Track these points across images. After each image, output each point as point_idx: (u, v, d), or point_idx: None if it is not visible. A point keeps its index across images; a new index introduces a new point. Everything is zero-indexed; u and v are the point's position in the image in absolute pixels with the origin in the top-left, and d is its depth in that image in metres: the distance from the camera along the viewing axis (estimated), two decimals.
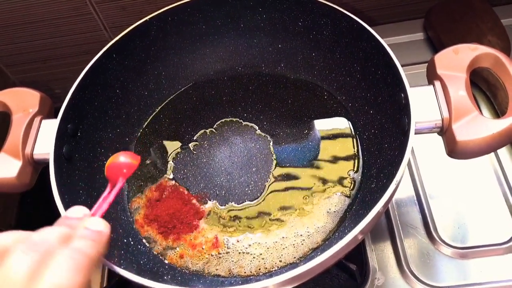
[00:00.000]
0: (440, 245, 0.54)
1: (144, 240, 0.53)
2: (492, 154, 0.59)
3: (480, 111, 0.43)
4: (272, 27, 0.62)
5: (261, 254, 0.51)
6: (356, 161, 0.55)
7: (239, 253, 0.51)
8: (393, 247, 0.55)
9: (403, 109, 0.45)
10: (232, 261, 0.50)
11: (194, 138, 0.61)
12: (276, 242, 0.51)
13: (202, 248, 0.52)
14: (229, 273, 0.50)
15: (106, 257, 0.40)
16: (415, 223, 0.56)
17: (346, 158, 0.56)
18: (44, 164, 0.48)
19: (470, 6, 0.67)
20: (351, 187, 0.54)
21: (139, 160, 0.42)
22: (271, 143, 0.59)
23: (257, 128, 0.60)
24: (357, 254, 0.55)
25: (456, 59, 0.45)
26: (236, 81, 0.65)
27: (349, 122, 0.59)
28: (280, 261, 0.50)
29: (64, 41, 0.74)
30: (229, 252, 0.51)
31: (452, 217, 0.56)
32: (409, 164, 0.60)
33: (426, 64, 0.48)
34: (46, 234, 0.28)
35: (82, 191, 0.50)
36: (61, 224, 0.31)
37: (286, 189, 0.55)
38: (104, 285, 0.57)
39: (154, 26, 0.59)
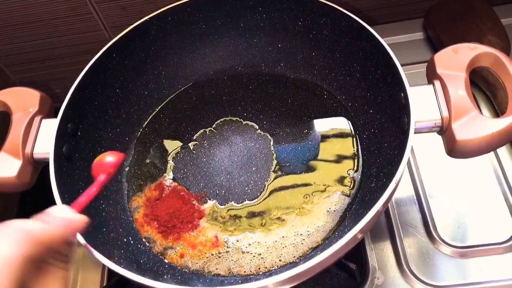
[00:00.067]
0: (440, 244, 0.54)
1: (144, 240, 0.53)
2: (492, 153, 0.59)
3: (480, 110, 0.43)
4: (272, 27, 0.62)
5: (261, 253, 0.51)
6: (356, 160, 0.55)
7: (239, 252, 0.51)
8: (393, 246, 0.55)
9: (402, 109, 0.45)
10: (232, 260, 0.51)
11: (194, 138, 0.61)
12: (276, 241, 0.51)
13: (202, 248, 0.52)
14: (229, 273, 0.50)
15: (106, 256, 0.40)
16: (415, 222, 0.56)
17: (346, 158, 0.56)
18: (44, 163, 0.48)
19: (470, 6, 0.67)
20: (351, 186, 0.54)
21: (122, 157, 0.43)
22: (271, 142, 0.59)
23: (257, 127, 0.60)
24: (357, 253, 0.55)
25: (456, 59, 0.45)
26: (236, 81, 0.65)
27: (349, 122, 0.59)
28: (280, 260, 0.50)
29: (63, 40, 0.74)
30: (229, 251, 0.51)
31: (451, 216, 0.56)
32: (408, 164, 0.60)
33: (426, 63, 0.48)
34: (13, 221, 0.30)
35: (82, 191, 0.49)
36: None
37: (286, 188, 0.55)
38: (104, 284, 0.57)
39: (154, 25, 0.59)
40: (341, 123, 0.59)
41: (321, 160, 0.57)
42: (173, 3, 0.58)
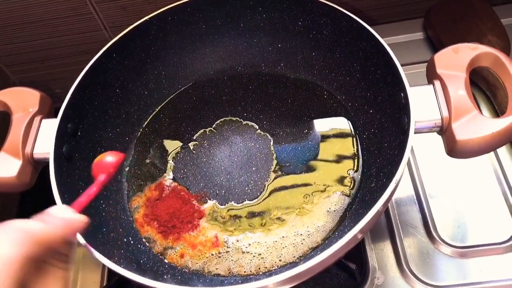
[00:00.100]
0: (440, 244, 0.54)
1: (144, 240, 0.53)
2: (492, 153, 0.59)
3: (480, 110, 0.43)
4: (272, 27, 0.62)
5: (260, 253, 0.51)
6: (356, 160, 0.55)
7: (239, 252, 0.51)
8: (393, 246, 0.55)
9: (402, 109, 0.45)
10: (232, 260, 0.51)
11: (194, 138, 0.61)
12: (276, 241, 0.51)
13: (202, 248, 0.52)
14: (229, 272, 0.50)
15: (106, 256, 0.40)
16: (415, 222, 0.56)
17: (346, 158, 0.56)
18: (44, 163, 0.48)
19: (470, 6, 0.67)
20: (351, 187, 0.54)
21: (122, 157, 0.44)
22: (271, 142, 0.59)
23: (257, 127, 0.60)
24: (357, 253, 0.54)
25: (456, 59, 0.45)
26: (236, 81, 0.65)
27: (349, 122, 0.59)
28: (280, 260, 0.50)
29: (63, 41, 0.74)
30: (229, 251, 0.51)
31: (451, 216, 0.56)
32: (408, 164, 0.60)
33: (426, 63, 0.48)
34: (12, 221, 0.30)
35: (82, 191, 0.49)
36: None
37: (286, 188, 0.55)
38: (104, 284, 0.57)
39: (154, 25, 0.59)
40: (341, 123, 0.59)
41: (321, 160, 0.57)
42: (173, 3, 0.58)
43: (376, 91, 0.53)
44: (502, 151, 0.59)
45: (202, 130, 0.61)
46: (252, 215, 0.54)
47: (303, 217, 0.52)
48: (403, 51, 0.70)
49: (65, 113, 0.49)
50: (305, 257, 0.50)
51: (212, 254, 0.51)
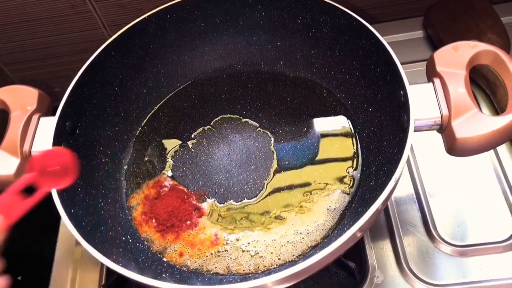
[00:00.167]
0: (440, 243, 0.54)
1: (142, 238, 0.53)
2: (492, 151, 0.59)
3: (480, 108, 0.43)
4: (271, 25, 0.62)
5: (259, 252, 0.50)
6: (356, 158, 0.55)
7: (238, 251, 0.51)
8: (392, 245, 0.55)
9: (402, 107, 0.45)
10: (230, 259, 0.50)
11: (193, 136, 0.61)
12: (275, 240, 0.51)
13: (201, 246, 0.52)
14: (228, 271, 0.50)
15: (104, 254, 0.40)
16: (415, 221, 0.56)
17: (346, 156, 0.56)
18: None
19: (470, 5, 0.67)
20: (351, 185, 0.54)
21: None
22: (271, 141, 0.59)
23: (256, 125, 0.60)
24: (356, 252, 0.54)
25: (456, 56, 0.45)
26: (235, 79, 0.65)
27: (349, 120, 0.58)
28: (279, 259, 0.50)
29: (62, 39, 0.74)
30: (227, 250, 0.51)
31: (451, 215, 0.55)
32: (408, 162, 0.60)
33: (426, 62, 0.47)
34: None
35: (80, 189, 0.50)
36: None
37: (286, 187, 0.55)
38: (103, 283, 0.57)
39: (153, 23, 0.59)
40: (341, 122, 0.59)
41: (320, 158, 0.56)
42: (172, 1, 0.58)
43: (376, 89, 0.53)
44: (502, 149, 0.59)
45: (201, 129, 0.61)
46: (251, 213, 0.53)
47: (303, 215, 0.52)
48: (403, 50, 0.70)
49: (63, 111, 0.49)
50: (304, 256, 0.50)
51: (211, 253, 0.51)
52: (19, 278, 0.67)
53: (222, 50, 0.65)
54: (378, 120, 0.53)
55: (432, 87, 0.45)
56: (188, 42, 0.63)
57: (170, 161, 0.59)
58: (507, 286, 0.51)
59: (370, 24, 0.50)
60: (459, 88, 0.43)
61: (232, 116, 0.62)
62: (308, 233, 0.51)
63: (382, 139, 0.51)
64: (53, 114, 0.49)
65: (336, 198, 0.53)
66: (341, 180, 0.54)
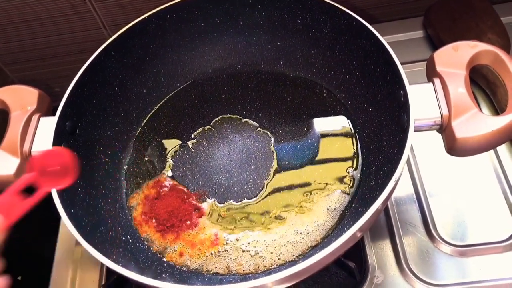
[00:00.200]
0: (440, 243, 0.54)
1: (142, 238, 0.53)
2: (492, 151, 0.59)
3: (480, 108, 0.43)
4: (271, 25, 0.62)
5: (259, 252, 0.50)
6: (356, 158, 0.55)
7: (238, 251, 0.51)
8: (392, 245, 0.55)
9: (402, 107, 0.45)
10: (230, 259, 0.50)
11: (193, 136, 0.61)
12: (275, 240, 0.51)
13: (201, 246, 0.52)
14: (228, 271, 0.50)
15: (104, 254, 0.40)
16: (414, 221, 0.56)
17: (346, 156, 0.56)
18: None
19: (470, 5, 0.67)
20: (351, 185, 0.54)
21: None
22: (271, 141, 0.59)
23: (257, 125, 0.60)
24: (356, 252, 0.54)
25: (456, 56, 0.45)
26: (235, 79, 0.65)
27: (349, 120, 0.58)
28: (279, 259, 0.50)
29: (62, 39, 0.74)
30: (228, 250, 0.51)
31: (451, 215, 0.55)
32: (408, 162, 0.60)
33: (426, 62, 0.47)
34: None
35: (80, 189, 0.50)
36: None
37: (286, 187, 0.55)
38: (103, 283, 0.57)
39: (153, 23, 0.59)
40: (341, 122, 0.59)
41: (320, 158, 0.56)
42: (172, 1, 0.58)
43: (376, 89, 0.53)
44: (502, 149, 0.59)
45: (201, 129, 0.61)
46: (251, 213, 0.53)
47: (303, 215, 0.52)
48: (403, 50, 0.70)
49: (63, 111, 0.49)
50: (304, 256, 0.50)
51: (211, 253, 0.51)
52: (19, 278, 0.67)
53: (222, 50, 0.65)
54: (378, 120, 0.53)
55: (432, 87, 0.45)
56: (188, 42, 0.63)
57: (170, 161, 0.59)
58: (507, 286, 0.51)
59: (370, 24, 0.50)
60: (459, 88, 0.43)
61: (232, 116, 0.62)
62: (308, 233, 0.51)
63: (382, 139, 0.51)
64: (53, 114, 0.49)
65: (336, 198, 0.53)
66: (341, 180, 0.54)
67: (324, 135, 0.58)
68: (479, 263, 0.52)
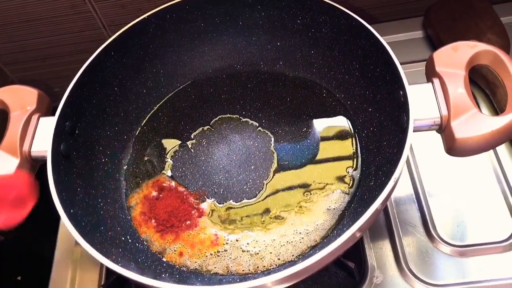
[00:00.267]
0: (439, 243, 0.54)
1: (142, 238, 0.53)
2: (491, 152, 0.59)
3: (479, 108, 0.43)
4: (270, 25, 0.62)
5: (259, 252, 0.50)
6: (355, 158, 0.55)
7: (238, 251, 0.51)
8: (392, 245, 0.55)
9: (401, 107, 0.45)
10: (230, 259, 0.50)
11: (193, 136, 0.61)
12: (274, 240, 0.51)
13: (201, 246, 0.52)
14: (227, 271, 0.50)
15: (104, 254, 0.40)
16: (414, 221, 0.56)
17: (345, 156, 0.56)
18: (42, 161, 0.48)
19: (470, 5, 0.67)
20: (350, 185, 0.54)
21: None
22: (271, 141, 0.59)
23: (256, 125, 0.60)
24: (356, 252, 0.54)
25: (455, 57, 0.45)
26: (235, 79, 0.65)
27: (348, 120, 0.58)
28: (279, 259, 0.50)
29: (62, 39, 0.74)
30: (227, 250, 0.51)
31: (451, 215, 0.55)
32: (408, 162, 0.60)
33: (425, 62, 0.47)
34: None
35: (80, 189, 0.50)
36: None
37: (285, 186, 0.55)
38: (102, 283, 0.57)
39: (153, 23, 0.59)
40: (340, 122, 0.59)
41: (320, 158, 0.56)
42: (171, 1, 0.58)
43: (375, 89, 0.53)
44: (502, 149, 0.59)
45: (200, 129, 0.61)
46: (251, 213, 0.53)
47: (302, 215, 0.52)
48: (402, 50, 0.70)
49: (63, 111, 0.49)
50: (303, 256, 0.50)
51: (211, 253, 0.51)
52: (19, 278, 0.67)
53: (221, 50, 0.65)
54: (378, 120, 0.53)
55: (431, 87, 0.45)
56: (188, 42, 0.63)
57: (169, 161, 0.59)
58: (507, 286, 0.51)
59: (370, 24, 0.50)
60: (459, 88, 0.43)
61: (231, 116, 0.62)
62: (307, 233, 0.51)
63: (382, 139, 0.51)
64: (53, 114, 0.49)
65: (335, 198, 0.53)
66: (340, 180, 0.54)
67: (323, 135, 0.58)
68: (478, 263, 0.52)
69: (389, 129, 0.50)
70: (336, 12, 0.54)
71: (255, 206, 0.54)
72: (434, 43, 0.70)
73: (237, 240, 0.52)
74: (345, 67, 0.58)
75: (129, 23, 0.56)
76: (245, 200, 0.55)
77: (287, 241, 0.51)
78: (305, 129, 0.59)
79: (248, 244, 0.51)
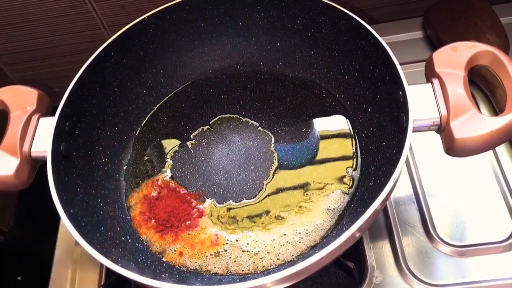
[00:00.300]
0: (439, 243, 0.54)
1: (142, 238, 0.53)
2: (491, 152, 0.59)
3: (479, 109, 0.43)
4: (270, 25, 0.62)
5: (259, 252, 0.50)
6: (355, 159, 0.55)
7: (237, 251, 0.51)
8: (391, 245, 0.55)
9: (401, 107, 0.45)
10: (230, 259, 0.50)
11: (192, 136, 0.61)
12: (274, 240, 0.51)
13: (201, 247, 0.52)
14: (227, 271, 0.50)
15: (104, 254, 0.40)
16: (413, 221, 0.56)
17: (345, 156, 0.56)
18: (42, 161, 0.48)
19: (469, 5, 0.67)
20: (350, 185, 0.54)
21: None
22: (271, 141, 0.59)
23: (257, 125, 0.60)
24: (355, 252, 0.54)
25: (455, 57, 0.45)
26: (235, 79, 0.65)
27: (348, 120, 0.59)
28: (278, 259, 0.50)
29: (62, 39, 0.74)
30: (227, 250, 0.51)
31: (450, 215, 0.56)
32: (407, 162, 0.60)
33: (424, 62, 0.47)
34: None
35: (80, 189, 0.50)
36: None
37: (285, 186, 0.55)
38: (102, 283, 0.57)
39: (153, 24, 0.59)
40: (340, 122, 0.59)
41: (320, 158, 0.56)
42: (171, 1, 0.58)
43: (375, 89, 0.53)
44: (501, 149, 0.59)
45: (200, 129, 0.61)
46: (250, 213, 0.54)
47: (302, 215, 0.52)
48: (402, 50, 0.70)
49: (63, 111, 0.49)
50: (303, 256, 0.50)
51: (211, 254, 0.51)
52: (19, 278, 0.67)
53: (221, 51, 0.65)
54: (377, 120, 0.53)
55: (431, 88, 0.45)
56: (188, 42, 0.63)
57: (169, 161, 0.59)
58: (506, 286, 0.51)
59: (369, 24, 0.50)
60: (458, 89, 0.43)
61: (231, 115, 0.62)
62: (307, 233, 0.51)
63: (381, 140, 0.51)
64: (53, 114, 0.49)
65: (335, 198, 0.53)
66: (340, 180, 0.54)
67: (323, 136, 0.58)
68: (478, 263, 0.52)
69: (388, 130, 0.50)
70: (335, 12, 0.54)
71: (255, 206, 0.54)
72: (434, 43, 0.70)
73: (236, 240, 0.52)
74: (345, 68, 0.58)
75: (129, 23, 0.56)
76: (245, 200, 0.55)
77: (287, 241, 0.51)
78: (305, 129, 0.59)
79: (248, 244, 0.51)
